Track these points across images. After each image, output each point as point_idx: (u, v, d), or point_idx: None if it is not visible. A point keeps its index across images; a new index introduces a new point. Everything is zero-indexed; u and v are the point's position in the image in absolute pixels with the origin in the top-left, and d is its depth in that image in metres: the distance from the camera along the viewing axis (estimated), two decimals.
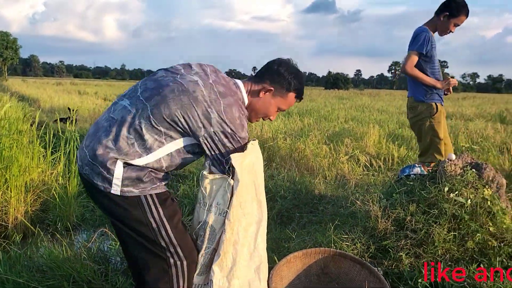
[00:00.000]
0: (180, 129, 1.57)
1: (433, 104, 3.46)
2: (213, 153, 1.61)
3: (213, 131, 1.57)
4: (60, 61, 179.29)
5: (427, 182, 2.70)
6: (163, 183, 1.65)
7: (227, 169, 1.62)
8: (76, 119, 7.98)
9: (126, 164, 1.55)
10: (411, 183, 2.80)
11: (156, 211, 1.60)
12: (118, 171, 1.54)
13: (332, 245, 2.51)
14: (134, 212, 1.58)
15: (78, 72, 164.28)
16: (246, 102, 1.75)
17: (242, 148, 1.63)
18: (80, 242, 3.00)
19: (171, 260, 1.62)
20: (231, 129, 1.58)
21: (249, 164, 1.63)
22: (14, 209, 3.53)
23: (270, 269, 1.87)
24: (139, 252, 1.64)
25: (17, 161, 3.63)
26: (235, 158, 1.56)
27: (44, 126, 5.08)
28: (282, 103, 1.82)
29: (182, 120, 1.54)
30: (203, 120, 1.55)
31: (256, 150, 1.71)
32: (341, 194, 3.76)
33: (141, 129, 1.53)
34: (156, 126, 1.54)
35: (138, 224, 1.59)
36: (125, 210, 1.58)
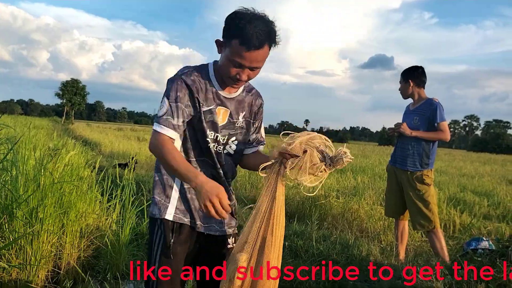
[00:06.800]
0: None
1: None
2: None
3: None
4: (123, 108, 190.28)
5: (498, 260, 2.47)
6: None
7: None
8: (134, 167, 8.23)
9: None
10: (479, 259, 2.57)
11: None
12: None
13: None
14: None
15: (139, 118, 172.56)
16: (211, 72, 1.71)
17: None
18: None
19: None
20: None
21: None
22: (68, 254, 3.59)
23: None
24: None
25: (75, 207, 3.73)
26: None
27: (103, 171, 5.26)
28: (231, 53, 1.55)
29: None
30: None
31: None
32: (399, 264, 3.52)
33: None
34: None
35: None
36: None
